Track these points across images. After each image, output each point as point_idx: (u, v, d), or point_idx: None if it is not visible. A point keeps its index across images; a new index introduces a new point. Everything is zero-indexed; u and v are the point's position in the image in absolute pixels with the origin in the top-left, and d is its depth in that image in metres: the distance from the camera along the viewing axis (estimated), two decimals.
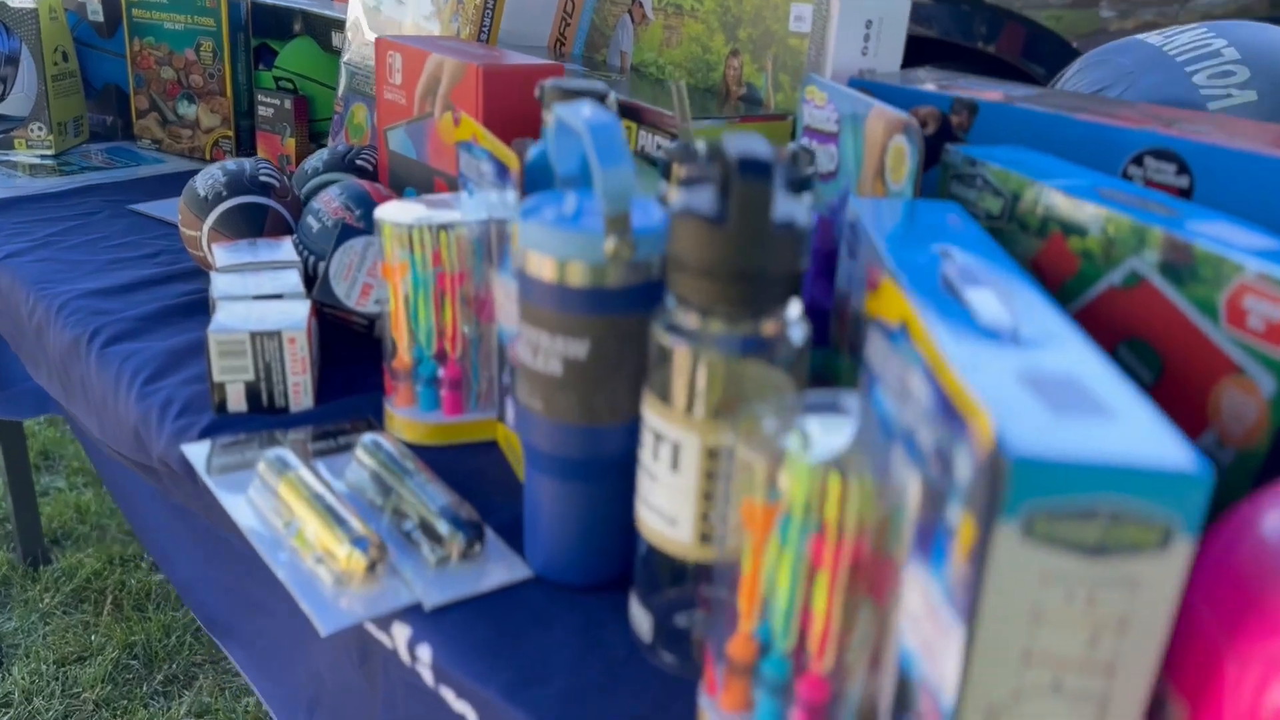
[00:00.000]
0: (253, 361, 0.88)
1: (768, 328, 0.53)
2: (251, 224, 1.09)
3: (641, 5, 1.28)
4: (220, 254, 1.02)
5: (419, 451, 0.84)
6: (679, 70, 1.25)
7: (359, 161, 1.25)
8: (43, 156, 1.65)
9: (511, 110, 1.06)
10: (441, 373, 0.85)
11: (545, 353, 0.62)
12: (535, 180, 0.79)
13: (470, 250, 0.82)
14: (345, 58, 1.46)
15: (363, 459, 0.77)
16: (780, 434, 0.45)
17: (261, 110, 1.60)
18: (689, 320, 0.53)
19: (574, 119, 0.60)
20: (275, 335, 0.88)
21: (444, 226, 0.81)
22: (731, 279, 0.51)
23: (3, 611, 1.88)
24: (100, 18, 1.71)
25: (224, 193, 1.10)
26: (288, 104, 1.58)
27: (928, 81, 0.94)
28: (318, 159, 1.25)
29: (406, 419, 0.86)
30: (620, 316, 0.61)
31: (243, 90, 1.66)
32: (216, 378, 0.88)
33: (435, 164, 1.12)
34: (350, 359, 0.98)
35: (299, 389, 0.90)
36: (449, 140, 1.10)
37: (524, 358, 0.64)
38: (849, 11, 1.02)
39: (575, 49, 1.39)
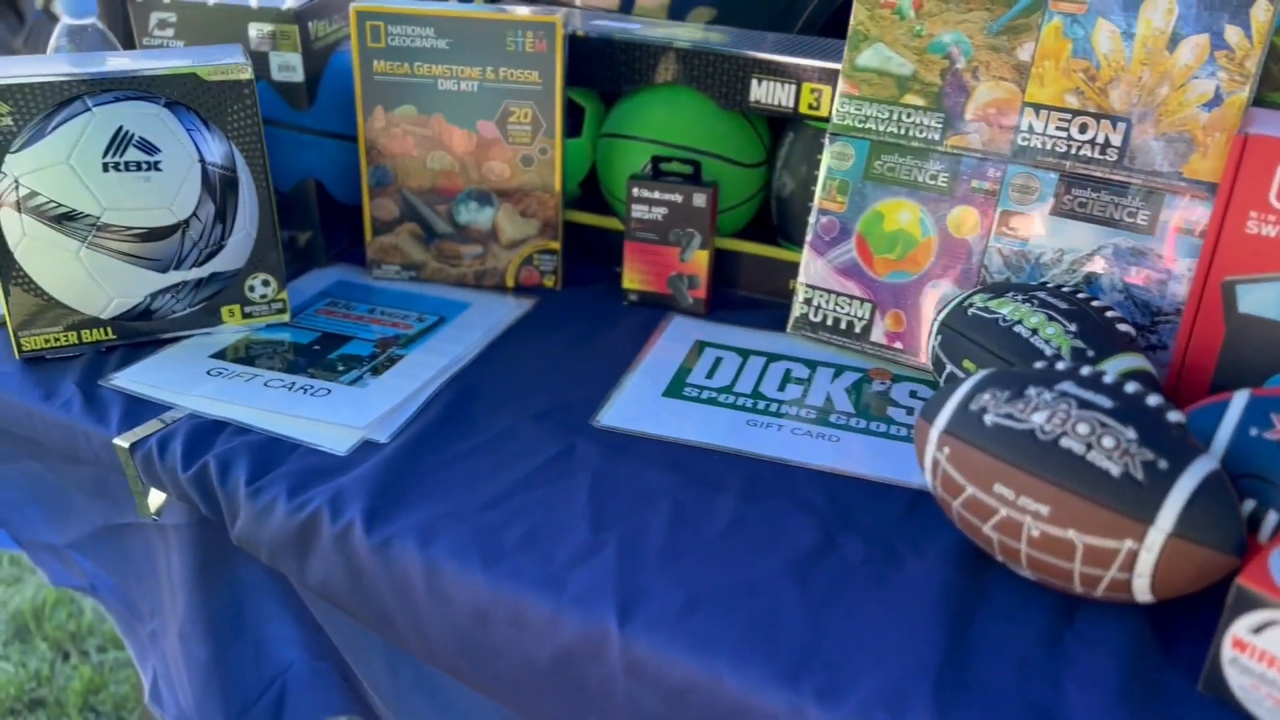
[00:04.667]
0: None
1: None
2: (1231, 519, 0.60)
3: None
4: None
5: None
6: None
7: (1095, 307, 0.76)
8: (272, 327, 0.97)
9: None
10: None
11: None
12: None
13: None
14: (846, 117, 0.91)
15: None
16: None
17: (639, 209, 1.02)
18: None
19: None
20: None
21: None
22: None
23: None
24: (297, 76, 1.02)
25: (1163, 462, 0.59)
26: (699, 199, 1.01)
27: None
28: (1031, 311, 0.74)
29: None
30: None
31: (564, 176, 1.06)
32: None
33: None
34: None
35: None
36: None
37: None
38: None
39: None
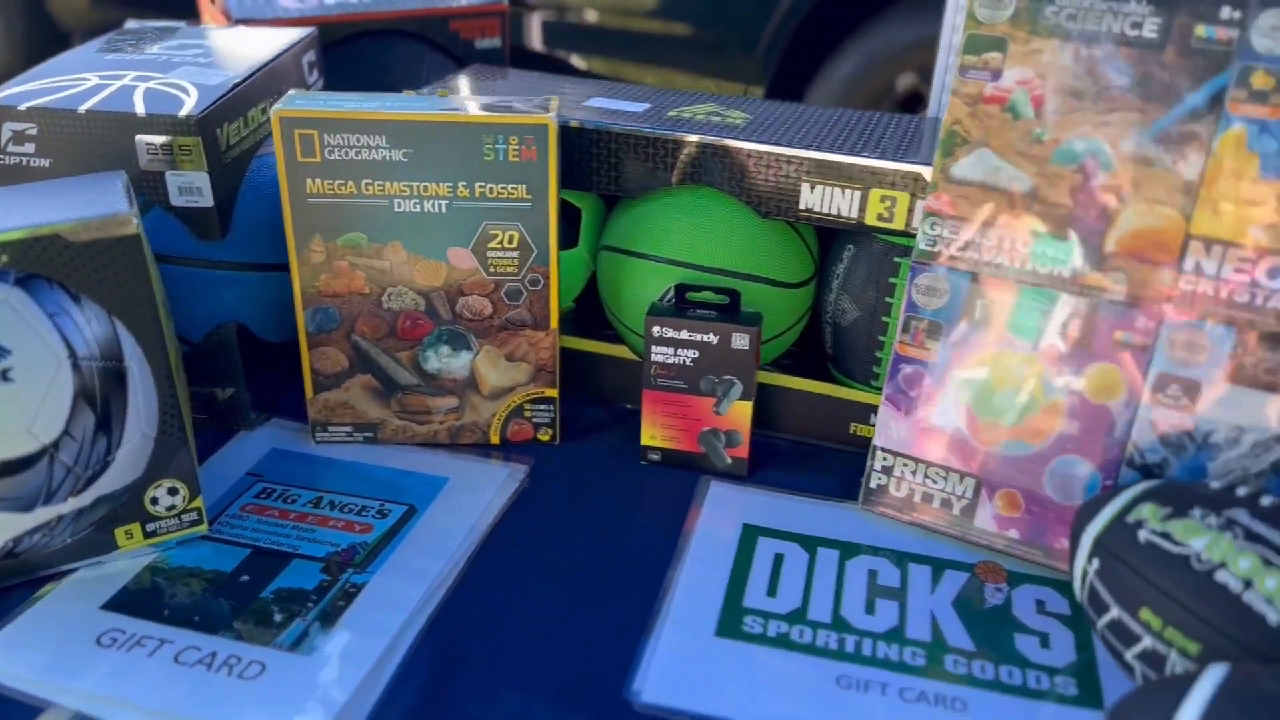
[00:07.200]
0: None
1: None
2: None
3: None
4: None
5: None
6: None
7: None
8: (187, 544, 0.74)
9: None
10: None
11: None
12: None
13: None
14: (936, 242, 0.67)
15: None
16: None
17: (662, 352, 0.79)
18: None
19: None
20: None
21: None
22: None
23: None
24: (205, 200, 0.78)
25: None
26: (740, 339, 0.78)
27: None
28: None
29: None
30: None
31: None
32: None
33: None
34: None
35: None
36: None
37: None
38: None
39: None
